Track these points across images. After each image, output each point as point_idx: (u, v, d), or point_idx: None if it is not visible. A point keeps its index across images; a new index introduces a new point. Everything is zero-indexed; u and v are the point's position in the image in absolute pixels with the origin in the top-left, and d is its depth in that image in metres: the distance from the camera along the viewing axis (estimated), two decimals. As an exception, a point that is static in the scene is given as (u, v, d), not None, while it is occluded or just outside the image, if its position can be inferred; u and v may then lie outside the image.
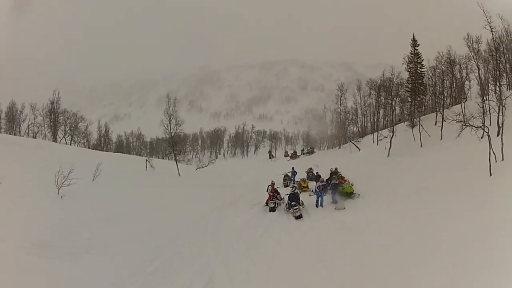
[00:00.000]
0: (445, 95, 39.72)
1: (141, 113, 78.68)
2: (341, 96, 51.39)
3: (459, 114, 31.56)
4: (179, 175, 42.65)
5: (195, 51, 75.82)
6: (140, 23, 71.81)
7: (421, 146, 38.55)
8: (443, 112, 38.32)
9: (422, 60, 41.27)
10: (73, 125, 55.69)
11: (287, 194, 29.92)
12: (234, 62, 80.00)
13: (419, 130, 38.85)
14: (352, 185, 31.96)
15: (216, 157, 63.21)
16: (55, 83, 61.67)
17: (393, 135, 39.20)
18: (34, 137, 52.38)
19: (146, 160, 43.36)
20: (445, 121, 36.69)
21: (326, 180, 33.63)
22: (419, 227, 20.98)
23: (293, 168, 40.88)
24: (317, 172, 37.21)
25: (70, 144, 54.95)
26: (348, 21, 67.54)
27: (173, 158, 70.04)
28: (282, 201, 30.83)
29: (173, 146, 43.02)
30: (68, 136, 55.15)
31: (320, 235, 24.09)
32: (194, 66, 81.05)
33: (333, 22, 68.89)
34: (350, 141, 47.96)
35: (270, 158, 58.09)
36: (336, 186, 30.51)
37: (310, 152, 54.79)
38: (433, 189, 26.01)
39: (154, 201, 29.82)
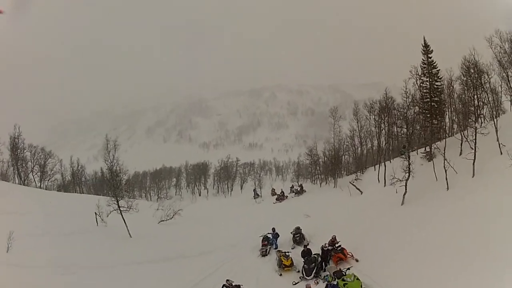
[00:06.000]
0: (477, 114, 24.06)
1: (129, 145, 64.45)
2: (335, 124, 35.79)
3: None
4: (130, 236, 27.57)
5: (183, 80, 62.67)
6: (128, 52, 58.43)
7: (448, 189, 23.21)
8: (475, 139, 22.79)
9: (438, 70, 26.03)
10: (42, 162, 42.62)
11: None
12: (222, 89, 67.28)
13: (444, 166, 23.37)
14: (354, 273, 16.72)
15: (200, 194, 48.64)
16: (44, 112, 54.54)
17: (409, 176, 23.86)
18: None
19: (96, 214, 28.69)
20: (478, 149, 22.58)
21: (322, 258, 18.70)
22: None
23: (273, 229, 25.66)
24: (305, 246, 21.53)
25: (40, 183, 42.14)
26: (332, 39, 53.91)
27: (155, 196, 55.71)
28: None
29: (117, 200, 27.69)
30: (37, 174, 42.21)
31: None
32: (182, 95, 67.85)
33: (317, 41, 55.34)
34: (350, 182, 31.93)
35: (255, 197, 43.03)
36: (335, 288, 15.24)
37: (300, 191, 39.33)
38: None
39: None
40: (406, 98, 26.53)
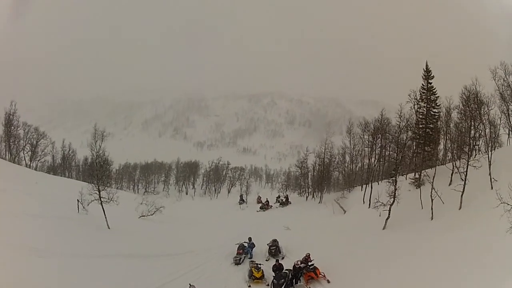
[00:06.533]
0: (473, 145, 23.32)
1: (124, 134, 63.54)
2: (327, 140, 35.09)
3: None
4: (108, 227, 26.74)
5: (184, 77, 61.45)
6: (131, 42, 57.32)
7: (432, 219, 22.66)
8: (466, 171, 22.17)
9: (437, 97, 25.42)
10: (35, 141, 41.52)
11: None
12: (222, 91, 65.85)
13: (431, 195, 22.73)
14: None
15: (187, 193, 47.67)
16: (41, 91, 52.54)
17: (393, 201, 23.18)
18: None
19: (78, 201, 27.63)
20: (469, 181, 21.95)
21: (292, 275, 17.98)
22: None
23: (250, 238, 25.16)
24: (277, 260, 20.84)
25: (31, 163, 41.21)
26: (336, 54, 52.91)
27: (143, 189, 55.30)
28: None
29: (99, 191, 26.98)
30: (28, 152, 41.08)
31: None
32: (182, 91, 66.69)
33: (320, 55, 54.38)
34: (334, 200, 31.11)
35: (240, 203, 42.46)
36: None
37: (285, 202, 38.81)
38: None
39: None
40: (400, 122, 25.81)
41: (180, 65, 58.34)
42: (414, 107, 25.85)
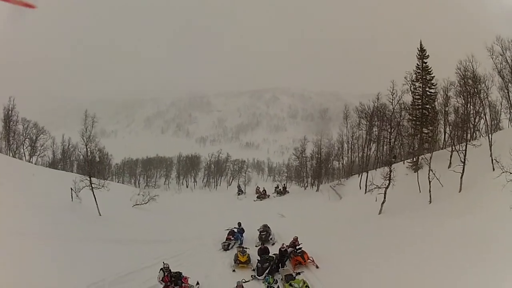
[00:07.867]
0: (472, 125, 21.87)
1: (127, 132, 63.11)
2: (323, 126, 33.88)
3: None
4: (100, 214, 25.96)
5: (185, 75, 60.71)
6: (130, 43, 56.60)
7: (430, 202, 21.34)
8: (465, 150, 20.74)
9: (433, 77, 24.05)
10: (34, 136, 40.68)
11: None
12: (224, 87, 64.72)
13: (428, 177, 21.34)
14: (304, 279, 14.81)
15: (187, 186, 46.78)
16: (41, 97, 49.93)
17: (389, 183, 21.86)
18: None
19: (72, 189, 26.95)
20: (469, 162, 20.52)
21: (278, 259, 16.85)
22: None
23: (239, 224, 24.05)
24: (262, 243, 19.99)
25: (30, 158, 40.25)
26: (339, 53, 51.65)
27: (144, 182, 55.51)
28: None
29: (90, 177, 26.32)
30: (27, 148, 40.27)
31: None
32: (183, 89, 65.86)
33: (321, 53, 53.24)
34: (330, 186, 29.84)
35: (238, 194, 41.63)
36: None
37: (283, 192, 38.04)
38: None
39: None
40: (393, 99, 24.40)
41: (181, 64, 57.59)
42: (410, 89, 24.58)
